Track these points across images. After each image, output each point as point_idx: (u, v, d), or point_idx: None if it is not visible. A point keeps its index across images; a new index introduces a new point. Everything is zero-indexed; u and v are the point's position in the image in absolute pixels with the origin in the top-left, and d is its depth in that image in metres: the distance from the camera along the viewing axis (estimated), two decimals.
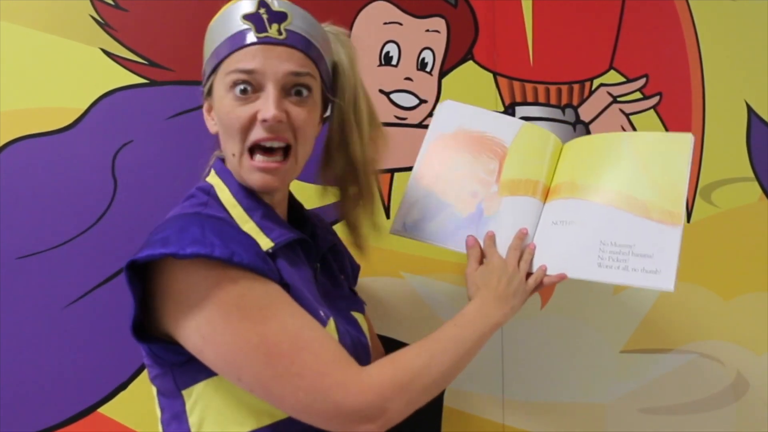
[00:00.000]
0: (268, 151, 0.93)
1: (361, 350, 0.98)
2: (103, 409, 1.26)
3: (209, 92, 0.97)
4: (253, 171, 0.93)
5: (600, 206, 1.08)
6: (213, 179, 0.98)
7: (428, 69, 1.42)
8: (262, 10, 0.93)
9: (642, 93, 1.49)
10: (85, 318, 1.26)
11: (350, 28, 1.38)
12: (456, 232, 1.13)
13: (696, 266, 1.49)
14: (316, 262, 1.03)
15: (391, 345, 1.25)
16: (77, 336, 1.26)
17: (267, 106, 0.90)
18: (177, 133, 1.30)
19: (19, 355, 1.23)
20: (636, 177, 1.08)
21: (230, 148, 0.93)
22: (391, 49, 1.40)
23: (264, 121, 0.90)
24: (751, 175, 1.53)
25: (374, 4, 1.40)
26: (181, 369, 0.90)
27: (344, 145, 1.03)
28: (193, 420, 0.90)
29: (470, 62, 1.43)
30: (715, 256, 1.50)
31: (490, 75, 1.44)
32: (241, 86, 0.91)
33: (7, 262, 1.24)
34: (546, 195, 1.16)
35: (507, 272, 1.06)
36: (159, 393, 0.95)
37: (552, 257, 1.09)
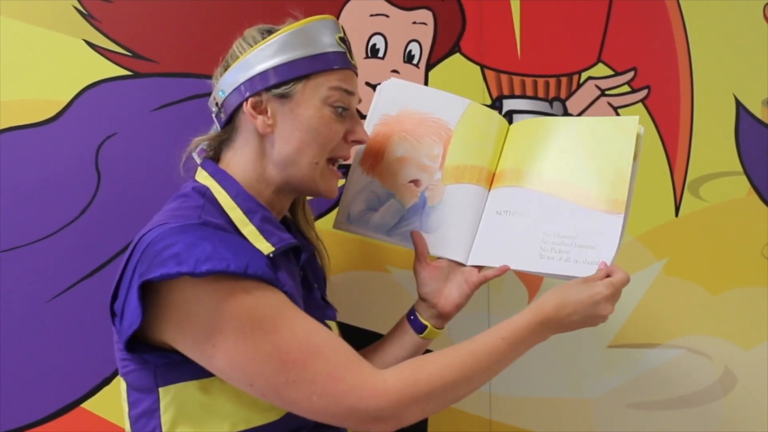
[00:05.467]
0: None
1: None
2: (87, 405, 1.25)
3: (284, 95, 0.95)
4: (333, 178, 1.01)
5: (543, 196, 1.06)
6: (207, 181, 0.97)
7: (415, 62, 1.41)
8: (347, 38, 1.01)
9: (630, 86, 1.49)
10: (68, 312, 1.25)
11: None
12: (399, 224, 1.10)
13: (684, 261, 1.48)
14: (300, 270, 1.03)
15: (371, 338, 1.24)
16: (60, 331, 1.25)
17: (362, 130, 1.02)
18: (161, 126, 1.29)
19: (0, 351, 1.22)
20: (580, 164, 1.05)
21: (313, 155, 0.97)
22: (378, 41, 1.39)
23: (359, 142, 1.02)
24: (740, 169, 1.52)
25: None
26: (165, 368, 0.89)
27: None
28: (165, 418, 0.90)
29: (457, 55, 1.42)
30: (703, 250, 1.50)
31: (478, 68, 1.43)
32: (342, 105, 0.98)
33: None
34: (491, 181, 1.13)
35: (595, 310, 0.95)
36: (131, 387, 0.94)
37: (496, 248, 1.07)
